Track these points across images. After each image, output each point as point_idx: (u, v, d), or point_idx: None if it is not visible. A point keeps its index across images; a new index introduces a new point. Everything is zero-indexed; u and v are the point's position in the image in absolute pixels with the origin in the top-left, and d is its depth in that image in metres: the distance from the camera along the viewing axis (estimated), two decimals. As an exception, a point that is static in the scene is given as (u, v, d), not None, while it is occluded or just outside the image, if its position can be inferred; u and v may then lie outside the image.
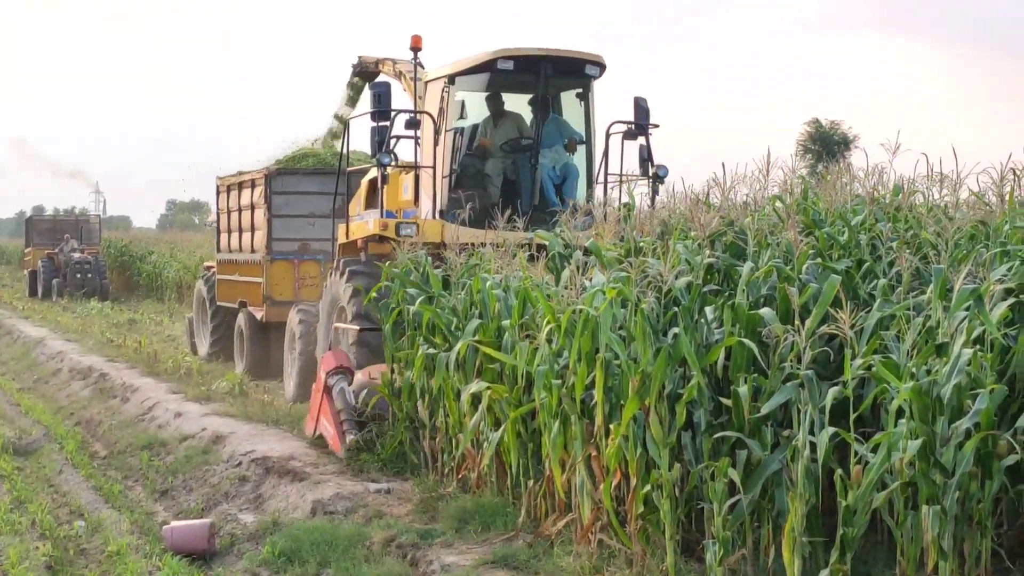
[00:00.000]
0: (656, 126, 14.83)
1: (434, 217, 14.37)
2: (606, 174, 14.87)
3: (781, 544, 7.44)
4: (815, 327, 7.78)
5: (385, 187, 14.69)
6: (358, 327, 13.83)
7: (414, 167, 14.84)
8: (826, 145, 56.78)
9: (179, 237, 65.98)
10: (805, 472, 7.30)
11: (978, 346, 7.52)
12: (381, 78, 17.51)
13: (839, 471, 7.31)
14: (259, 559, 10.43)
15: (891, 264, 9.18)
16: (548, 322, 9.33)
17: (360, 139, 22.90)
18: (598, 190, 14.87)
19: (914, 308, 8.08)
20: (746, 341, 8.06)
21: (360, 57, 19.80)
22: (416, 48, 15.48)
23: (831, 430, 7.35)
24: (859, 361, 7.57)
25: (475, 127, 14.96)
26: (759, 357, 8.05)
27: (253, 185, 21.50)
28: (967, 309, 7.71)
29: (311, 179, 20.91)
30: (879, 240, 9.66)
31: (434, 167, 14.43)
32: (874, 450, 7.21)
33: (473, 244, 12.74)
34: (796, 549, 7.24)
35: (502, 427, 10.02)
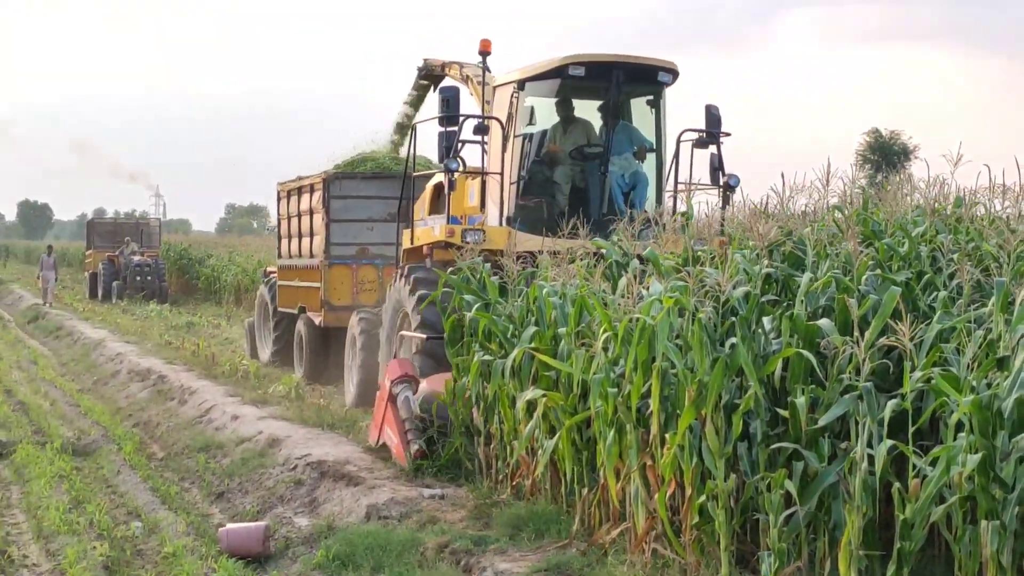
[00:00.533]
0: (728, 134, 14.59)
1: (501, 224, 14.17)
2: (675, 183, 14.69)
3: (837, 557, 7.39)
4: (874, 339, 7.73)
5: (452, 193, 14.50)
6: (424, 335, 13.61)
7: (481, 173, 14.70)
8: (885, 155, 56.52)
9: (237, 241, 66.54)
10: (863, 485, 7.25)
11: (1040, 360, 7.44)
12: (447, 82, 17.45)
13: (897, 484, 7.25)
14: (313, 563, 10.47)
15: (951, 276, 9.12)
16: (605, 330, 9.31)
17: (423, 143, 22.88)
18: (667, 199, 14.77)
19: (975, 321, 8.02)
20: (804, 352, 8.02)
21: (426, 59, 19.70)
22: (485, 52, 15.41)
23: (889, 443, 7.30)
24: (918, 374, 7.50)
25: (543, 133, 14.77)
26: (817, 368, 8.01)
27: (312, 190, 21.46)
28: (1029, 322, 7.64)
29: (369, 183, 20.86)
30: (940, 252, 9.61)
31: (502, 173, 14.24)
32: (933, 464, 7.15)
33: (539, 252, 12.62)
34: (852, 562, 7.18)
35: (557, 435, 10.00)
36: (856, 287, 8.70)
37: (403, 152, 21.63)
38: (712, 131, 14.49)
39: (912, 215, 10.63)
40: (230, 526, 11.48)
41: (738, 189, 14.43)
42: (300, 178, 22.50)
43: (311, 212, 21.52)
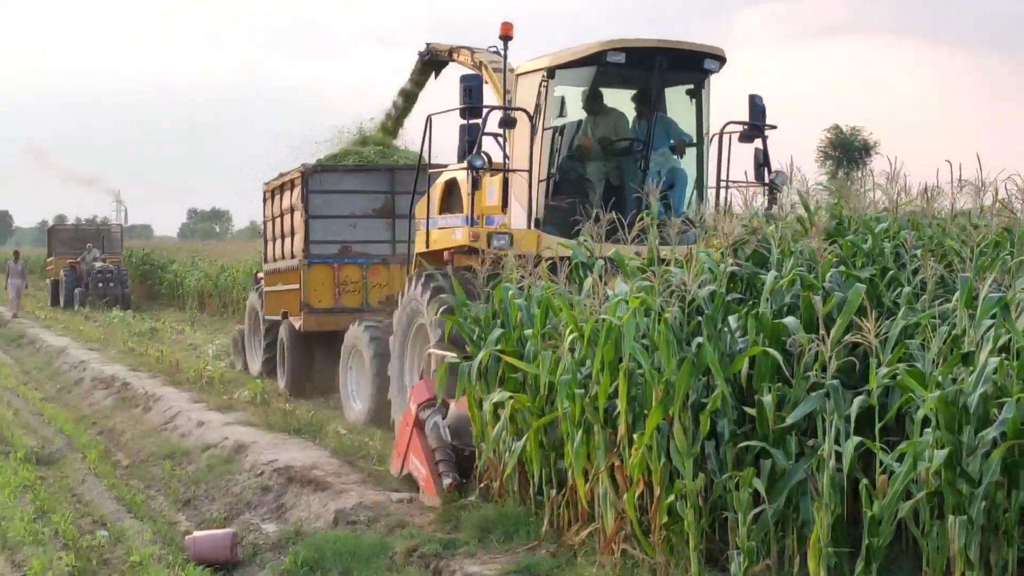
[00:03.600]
0: (774, 127, 13.60)
1: (529, 226, 13.03)
2: (718, 180, 13.53)
3: (806, 554, 7.42)
4: (840, 336, 7.76)
5: (476, 192, 13.22)
6: (453, 354, 11.76)
7: (504, 170, 13.42)
8: (847, 151, 56.78)
9: (200, 246, 66.21)
10: (830, 482, 7.27)
11: (1004, 355, 7.49)
12: (463, 70, 16.07)
13: (864, 481, 7.29)
14: (281, 569, 10.43)
15: (915, 272, 9.15)
16: (571, 331, 9.31)
17: (412, 136, 21.49)
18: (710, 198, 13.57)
19: (939, 316, 8.06)
20: (770, 350, 8.04)
21: (429, 44, 18.69)
22: (506, 37, 13.78)
23: (856, 439, 7.34)
24: (884, 370, 7.54)
25: (576, 126, 13.67)
26: (783, 366, 8.04)
27: (292, 186, 20.13)
28: (993, 317, 7.69)
29: (352, 177, 19.61)
30: (903, 248, 9.64)
31: (530, 170, 13.02)
32: (900, 460, 7.19)
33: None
34: (821, 559, 7.21)
35: (524, 436, 9.99)
36: (821, 284, 8.73)
37: (397, 144, 21.09)
38: (757, 124, 13.49)
39: (875, 212, 10.66)
40: (197, 533, 11.42)
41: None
42: (281, 175, 21.20)
43: (292, 210, 20.27)
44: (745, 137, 13.45)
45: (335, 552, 10.19)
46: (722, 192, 13.47)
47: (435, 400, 11.45)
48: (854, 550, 7.36)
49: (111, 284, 45.70)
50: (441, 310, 12.53)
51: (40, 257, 64.56)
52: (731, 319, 8.58)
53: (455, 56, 17.37)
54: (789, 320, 8.23)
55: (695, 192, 13.59)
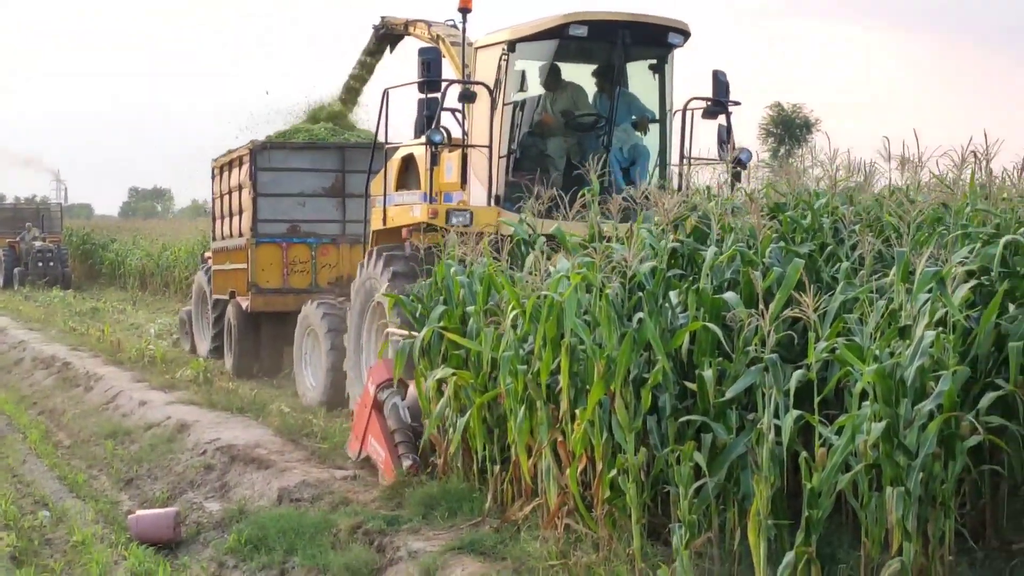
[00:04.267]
0: (737, 103, 13.32)
1: (489, 203, 12.74)
2: (681, 156, 13.27)
3: (747, 527, 7.43)
4: (779, 311, 7.80)
5: (437, 168, 12.81)
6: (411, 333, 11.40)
7: (462, 146, 13.02)
8: (788, 129, 57.04)
9: (142, 225, 65.85)
10: (770, 455, 7.31)
11: (940, 328, 7.56)
12: (417, 45, 15.40)
13: (804, 454, 7.32)
14: (225, 547, 10.42)
15: (854, 247, 9.21)
16: (513, 308, 9.32)
17: (365, 115, 21.08)
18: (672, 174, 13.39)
19: (877, 291, 8.12)
20: (710, 325, 8.07)
21: (384, 18, 18.33)
22: (465, 9, 13.30)
23: (796, 413, 7.36)
24: (823, 344, 7.58)
25: (536, 100, 13.32)
26: (723, 341, 8.06)
27: (240, 163, 19.59)
28: (929, 292, 7.76)
29: (302, 155, 19.14)
30: (842, 223, 9.70)
31: (490, 146, 12.67)
32: (838, 433, 7.23)
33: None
34: (762, 532, 7.25)
35: (468, 413, 10.00)
36: (760, 260, 8.77)
37: (353, 118, 20.73)
38: (721, 100, 13.18)
39: (814, 188, 10.72)
40: (140, 512, 11.37)
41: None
42: (230, 151, 20.61)
43: (240, 188, 19.71)
44: (709, 113, 13.21)
45: (279, 530, 10.17)
46: (685, 168, 13.20)
47: (393, 381, 11.32)
48: (794, 522, 7.39)
49: (51, 264, 45.30)
50: (397, 287, 12.19)
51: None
52: (672, 295, 8.62)
53: (411, 29, 17.07)
54: (729, 295, 8.26)
55: (657, 168, 13.38)
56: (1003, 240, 8.48)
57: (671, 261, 9.16)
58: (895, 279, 8.02)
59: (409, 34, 17.29)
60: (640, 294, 8.51)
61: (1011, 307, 8.16)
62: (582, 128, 13.25)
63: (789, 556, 7.13)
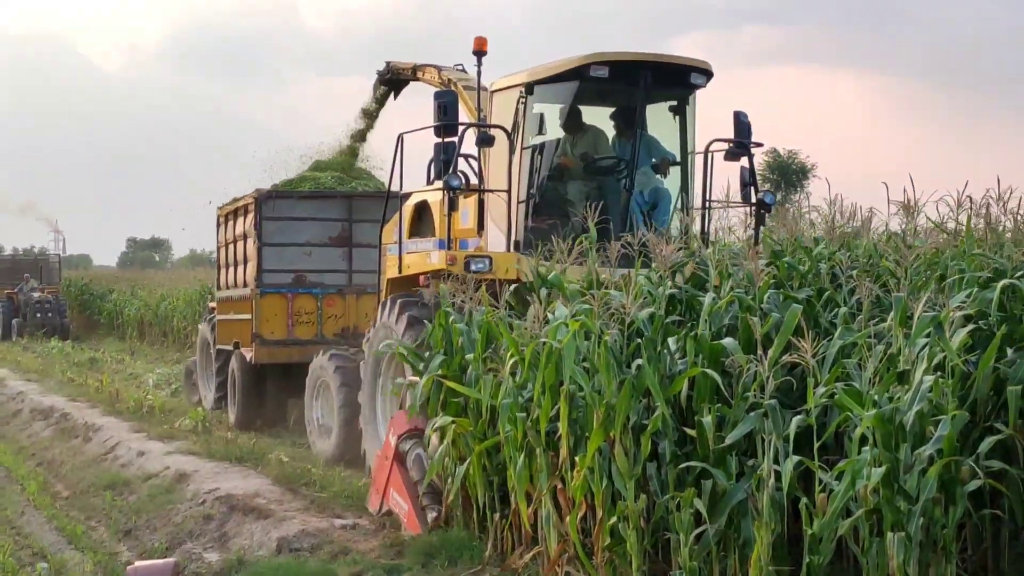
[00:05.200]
0: (759, 144, 12.98)
1: (508, 249, 12.26)
2: (703, 200, 12.94)
3: (748, 573, 7.44)
4: (777, 356, 7.82)
5: (453, 214, 12.38)
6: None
7: (479, 190, 12.67)
8: (784, 175, 57.19)
9: (140, 275, 65.66)
10: (770, 501, 7.31)
11: (939, 373, 7.57)
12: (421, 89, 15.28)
13: (804, 499, 7.33)
14: (224, 598, 10.37)
15: (851, 292, 9.23)
16: (512, 355, 9.33)
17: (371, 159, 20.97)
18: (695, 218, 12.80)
19: (875, 336, 8.12)
20: (709, 371, 8.08)
21: (389, 63, 17.94)
22: (480, 52, 12.99)
23: (795, 459, 7.38)
24: (822, 389, 7.60)
25: (555, 144, 12.90)
26: (722, 387, 8.08)
27: (245, 212, 19.16)
28: (927, 336, 7.77)
29: (307, 204, 18.78)
30: (839, 269, 9.72)
31: (509, 191, 12.28)
32: (838, 478, 7.24)
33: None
34: (763, 578, 7.25)
35: (467, 461, 9.99)
36: (758, 306, 8.79)
37: (360, 164, 20.54)
38: (743, 141, 12.77)
39: (812, 234, 10.75)
40: (138, 564, 11.29)
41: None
42: (235, 199, 20.11)
43: (244, 237, 19.24)
44: (731, 155, 12.79)
45: (278, 580, 10.13)
46: (706, 212, 13.00)
47: (417, 431, 11.00)
48: (795, 568, 7.39)
49: (49, 314, 45.42)
50: (414, 336, 11.94)
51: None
52: (670, 341, 8.63)
53: (420, 74, 16.75)
54: (728, 341, 8.27)
55: (680, 212, 12.90)
56: (1000, 284, 8.52)
57: (669, 307, 9.16)
58: (893, 324, 8.03)
59: (417, 79, 16.96)
60: (639, 340, 8.52)
61: (1009, 351, 8.17)
62: (603, 172, 12.89)
63: (791, 602, 7.13)
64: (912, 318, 7.90)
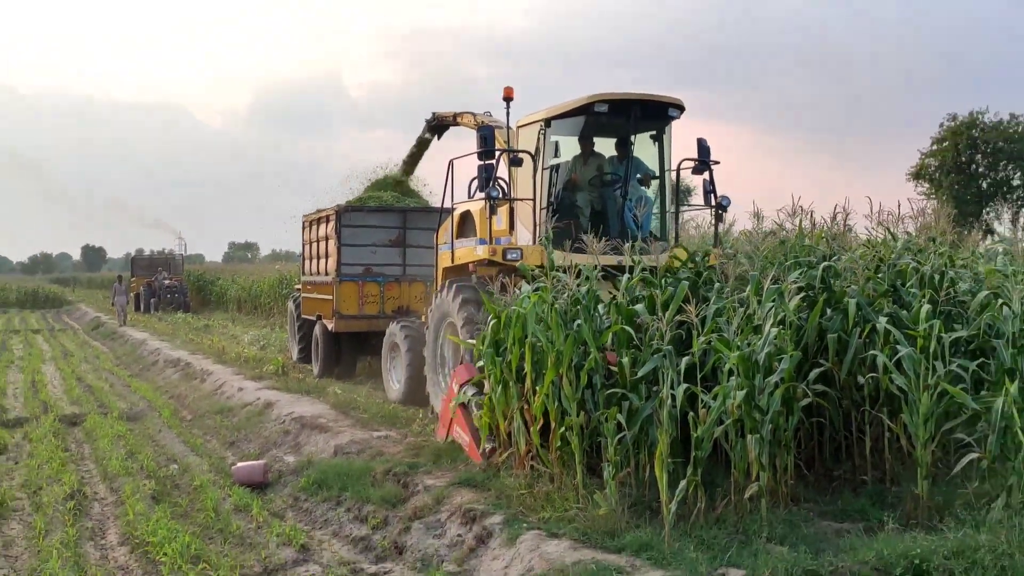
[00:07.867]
0: (717, 162, 12.18)
1: (533, 243, 11.55)
2: (676, 203, 12.38)
3: (654, 464, 7.45)
4: (672, 317, 7.83)
5: (492, 217, 11.72)
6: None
7: (509, 200, 12.04)
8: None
9: (237, 268, 65.30)
10: (668, 415, 7.32)
11: (782, 326, 7.61)
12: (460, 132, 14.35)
13: (691, 413, 7.35)
14: (299, 487, 10.35)
15: (723, 273, 9.23)
16: (492, 318, 9.31)
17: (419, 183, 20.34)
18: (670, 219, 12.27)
19: (738, 302, 8.16)
20: (626, 327, 8.09)
21: (435, 113, 17.17)
22: (508, 98, 12.14)
23: (685, 386, 7.39)
24: (702, 339, 7.62)
25: (567, 164, 12.20)
26: (635, 338, 8.08)
27: (328, 220, 18.51)
28: (773, 301, 7.82)
29: (373, 215, 18.09)
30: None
31: (534, 200, 11.59)
32: (715, 398, 7.26)
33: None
34: (664, 467, 7.26)
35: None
36: (660, 283, 8.81)
37: (412, 186, 19.91)
38: (704, 160, 12.08)
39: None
40: (239, 464, 11.30)
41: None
42: (319, 211, 19.32)
43: (327, 238, 18.57)
44: (697, 170, 12.04)
45: (335, 474, 10.12)
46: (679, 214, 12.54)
47: (472, 381, 10.21)
48: (686, 460, 7.41)
49: (176, 295, 45.15)
50: (464, 307, 11.59)
51: (126, 278, 63.38)
52: (600, 307, 8.62)
53: (459, 119, 15.95)
54: (639, 307, 8.29)
55: (659, 213, 12.37)
56: (821, 265, 8.55)
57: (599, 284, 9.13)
58: (750, 294, 8.06)
59: (457, 123, 16.21)
60: (579, 307, 8.51)
61: (828, 311, 8.23)
62: (604, 185, 12.31)
63: (683, 483, 7.14)
64: (763, 290, 7.94)
